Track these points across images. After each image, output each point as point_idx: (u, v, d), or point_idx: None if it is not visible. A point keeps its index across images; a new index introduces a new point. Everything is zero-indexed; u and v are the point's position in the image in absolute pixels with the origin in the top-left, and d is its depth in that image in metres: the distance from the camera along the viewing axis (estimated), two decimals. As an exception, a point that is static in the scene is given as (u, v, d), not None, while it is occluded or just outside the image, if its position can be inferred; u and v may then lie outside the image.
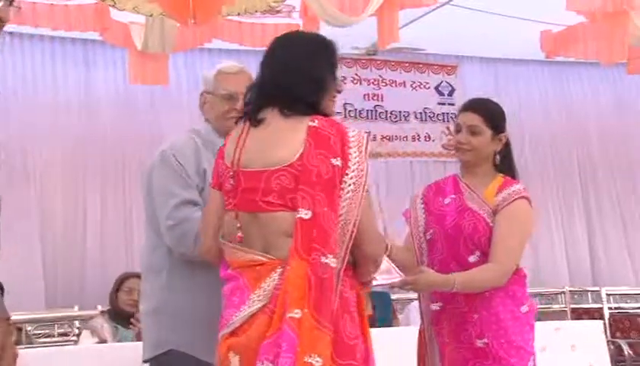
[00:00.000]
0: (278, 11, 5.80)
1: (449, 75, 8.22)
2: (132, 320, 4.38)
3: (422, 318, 2.94)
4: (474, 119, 2.87)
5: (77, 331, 4.75)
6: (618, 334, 7.29)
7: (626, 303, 7.83)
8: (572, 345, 4.39)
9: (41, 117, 6.78)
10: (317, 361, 1.94)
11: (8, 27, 6.42)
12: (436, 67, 8.19)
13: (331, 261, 2.03)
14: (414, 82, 8.03)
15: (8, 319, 2.01)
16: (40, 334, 4.54)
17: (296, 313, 1.97)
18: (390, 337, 2.98)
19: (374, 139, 7.72)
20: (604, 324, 7.19)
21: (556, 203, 8.57)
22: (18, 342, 4.36)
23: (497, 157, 2.90)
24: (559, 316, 7.38)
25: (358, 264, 2.18)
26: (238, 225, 2.17)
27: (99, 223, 6.83)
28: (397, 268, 2.61)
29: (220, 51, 6.88)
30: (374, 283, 2.45)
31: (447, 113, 8.06)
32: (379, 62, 7.87)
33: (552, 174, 8.58)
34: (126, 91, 6.91)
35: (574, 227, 8.59)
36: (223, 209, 2.23)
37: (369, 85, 7.80)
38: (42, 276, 6.54)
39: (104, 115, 6.98)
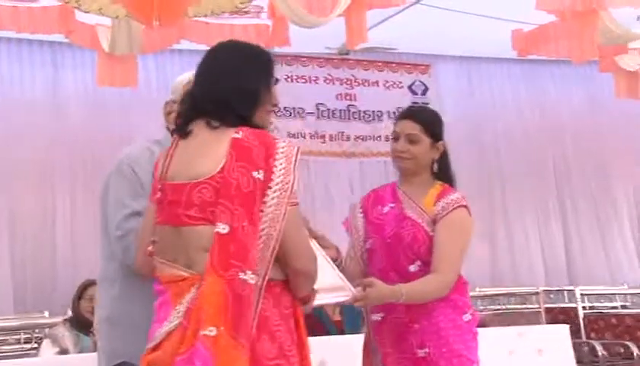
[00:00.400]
0: (246, 12, 5.75)
1: (422, 74, 8.21)
2: (92, 329, 4.33)
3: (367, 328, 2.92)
4: (413, 127, 2.84)
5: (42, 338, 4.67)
6: (592, 335, 7.30)
7: (600, 302, 7.85)
8: (539, 350, 4.38)
9: (9, 118, 6.70)
10: None
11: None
12: (409, 66, 8.17)
13: (250, 277, 1.97)
14: (387, 82, 8.00)
15: None
16: (4, 340, 4.46)
17: (211, 331, 1.91)
18: (359, 343, 2.94)
19: (347, 139, 7.70)
20: (579, 324, 7.23)
21: (531, 202, 8.59)
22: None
23: (435, 165, 2.87)
24: (534, 316, 7.38)
25: (290, 279, 2.13)
26: (155, 238, 2.13)
27: (69, 223, 6.80)
28: (349, 284, 2.56)
29: (191, 52, 6.80)
30: (319, 301, 2.40)
31: (421, 113, 8.04)
32: (351, 61, 7.85)
33: (526, 173, 8.58)
34: (95, 92, 6.84)
35: (549, 226, 8.61)
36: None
37: (341, 84, 7.78)
38: (10, 278, 6.48)
39: (73, 116, 6.93)
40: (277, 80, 2.26)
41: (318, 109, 7.60)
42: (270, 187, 2.04)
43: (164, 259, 2.13)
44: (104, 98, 6.88)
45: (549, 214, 8.62)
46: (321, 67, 7.66)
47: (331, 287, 2.48)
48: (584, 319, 7.40)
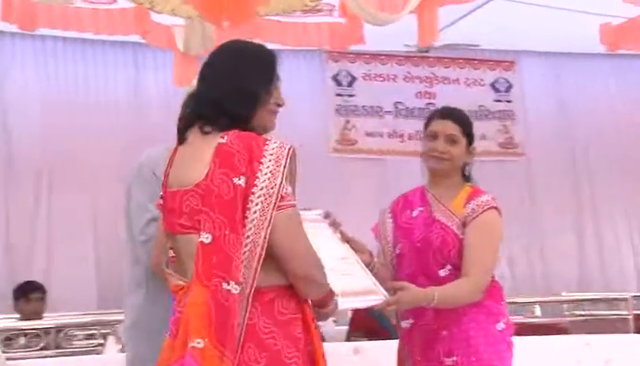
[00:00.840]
0: (319, 10, 5.71)
1: (506, 71, 7.97)
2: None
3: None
4: (453, 128, 2.76)
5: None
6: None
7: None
8: (607, 360, 4.17)
9: (92, 119, 6.88)
10: None
11: (55, 33, 6.55)
12: (492, 63, 7.96)
13: (233, 287, 1.92)
14: (469, 79, 7.82)
15: None
16: (74, 336, 4.57)
17: (198, 343, 1.88)
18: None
19: (427, 137, 7.55)
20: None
21: (622, 202, 8.23)
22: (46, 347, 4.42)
23: (467, 168, 2.80)
24: (622, 324, 7.03)
25: (293, 284, 2.07)
26: (169, 246, 2.12)
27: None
28: (382, 288, 2.49)
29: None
30: (349, 305, 2.33)
31: (504, 111, 7.85)
32: (431, 59, 7.70)
33: (617, 171, 8.23)
34: (175, 93, 6.93)
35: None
36: None
37: (421, 82, 7.64)
38: (94, 277, 6.67)
39: (154, 117, 7.02)
40: (279, 79, 2.20)
41: (396, 108, 7.49)
42: (253, 193, 1.98)
43: (170, 269, 2.13)
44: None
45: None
46: (400, 65, 7.55)
47: (362, 290, 2.42)
48: (677, 326, 6.99)
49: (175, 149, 2.16)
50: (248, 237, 1.97)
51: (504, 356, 2.64)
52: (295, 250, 2.04)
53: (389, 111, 7.47)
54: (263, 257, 1.98)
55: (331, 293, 2.17)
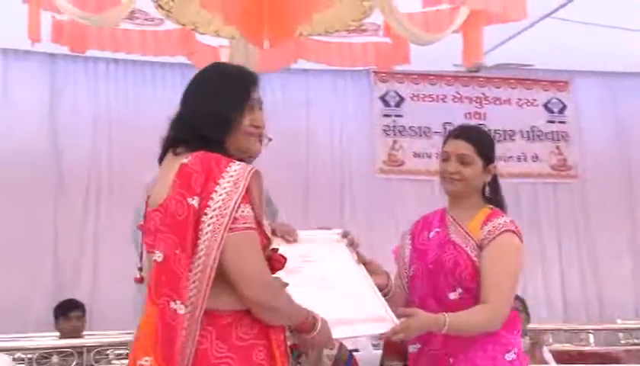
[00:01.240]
0: (364, 30, 5.65)
1: (560, 91, 7.80)
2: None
3: None
4: (465, 148, 2.68)
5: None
6: None
7: None
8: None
9: (140, 139, 6.94)
10: None
11: (107, 55, 6.63)
12: (545, 83, 7.80)
13: (179, 307, 1.91)
14: (521, 100, 7.67)
15: None
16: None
17: (146, 361, 1.90)
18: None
19: (476, 159, 7.41)
20: None
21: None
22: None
23: (487, 188, 2.71)
24: None
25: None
26: (139, 265, 2.18)
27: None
28: (392, 314, 2.40)
29: (308, 71, 6.86)
30: (352, 334, 2.26)
31: (557, 132, 7.68)
32: (481, 79, 7.58)
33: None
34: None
35: None
36: None
37: (470, 103, 7.53)
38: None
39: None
40: (262, 101, 2.21)
41: (445, 128, 7.37)
42: (206, 214, 1.97)
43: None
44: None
45: None
46: (449, 85, 7.45)
47: (371, 317, 2.36)
48: None
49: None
50: (200, 258, 1.96)
51: None
52: (244, 273, 2.00)
53: (438, 132, 7.37)
54: (212, 278, 1.96)
55: (309, 320, 2.12)
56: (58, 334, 5.32)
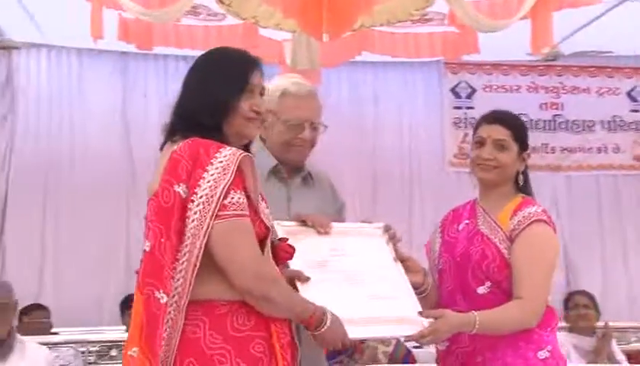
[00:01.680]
0: (429, 20, 5.50)
1: (645, 78, 7.41)
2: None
3: None
4: (502, 133, 2.53)
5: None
6: None
7: None
8: None
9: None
10: None
11: (176, 52, 6.66)
12: (628, 70, 7.41)
13: (162, 296, 1.86)
14: (601, 88, 7.32)
15: None
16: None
17: (134, 352, 1.87)
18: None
19: (552, 151, 7.13)
20: None
21: None
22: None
23: (521, 177, 2.55)
24: None
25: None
26: None
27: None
28: (422, 315, 2.27)
29: (374, 65, 6.74)
30: (375, 334, 2.16)
31: (642, 121, 7.31)
32: (559, 68, 7.26)
33: None
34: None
35: None
36: None
37: (546, 93, 7.23)
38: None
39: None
40: (263, 87, 2.15)
41: (518, 120, 7.12)
42: (192, 201, 1.90)
43: None
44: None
45: None
46: (523, 75, 7.18)
47: (398, 318, 2.24)
48: None
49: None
50: (186, 246, 1.90)
51: None
52: (234, 262, 1.93)
53: (512, 124, 7.10)
54: (198, 267, 1.90)
55: (316, 315, 2.01)
56: (124, 327, 5.39)
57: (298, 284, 2.16)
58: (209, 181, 1.93)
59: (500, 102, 7.06)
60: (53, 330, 5.55)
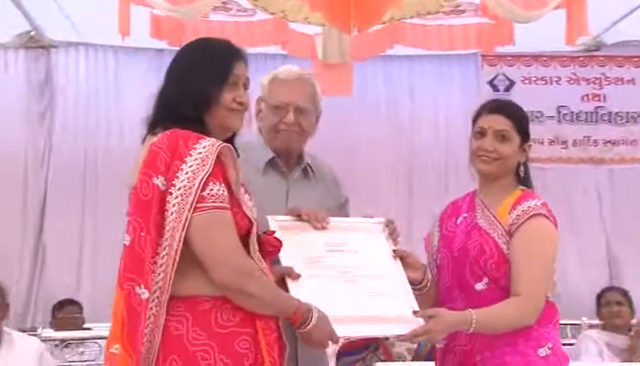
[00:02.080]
0: (462, 11, 5.38)
1: (694, 67, 7.14)
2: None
3: None
4: (503, 123, 2.46)
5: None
6: None
7: None
8: None
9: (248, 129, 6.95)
10: None
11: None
12: (675, 60, 7.16)
13: (143, 292, 1.83)
14: (646, 79, 7.09)
15: None
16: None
17: (116, 349, 1.85)
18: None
19: (595, 144, 6.92)
20: None
21: None
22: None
23: (522, 169, 2.48)
24: None
25: None
26: None
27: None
28: (417, 315, 2.20)
29: (411, 57, 6.65)
30: (365, 333, 2.10)
31: (689, 112, 7.05)
32: (602, 58, 7.04)
33: None
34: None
35: None
36: None
37: (588, 84, 7.01)
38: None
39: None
40: (247, 78, 2.08)
41: (559, 112, 6.93)
42: (170, 193, 1.86)
43: None
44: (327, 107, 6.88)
45: None
46: (564, 66, 6.97)
47: (393, 316, 2.17)
48: None
49: None
50: (166, 240, 1.87)
51: None
52: (212, 256, 1.88)
53: (551, 116, 6.92)
54: (177, 261, 1.86)
55: (301, 312, 1.95)
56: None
57: (288, 281, 2.11)
58: (187, 173, 1.88)
59: (540, 95, 6.94)
60: (86, 325, 5.59)
